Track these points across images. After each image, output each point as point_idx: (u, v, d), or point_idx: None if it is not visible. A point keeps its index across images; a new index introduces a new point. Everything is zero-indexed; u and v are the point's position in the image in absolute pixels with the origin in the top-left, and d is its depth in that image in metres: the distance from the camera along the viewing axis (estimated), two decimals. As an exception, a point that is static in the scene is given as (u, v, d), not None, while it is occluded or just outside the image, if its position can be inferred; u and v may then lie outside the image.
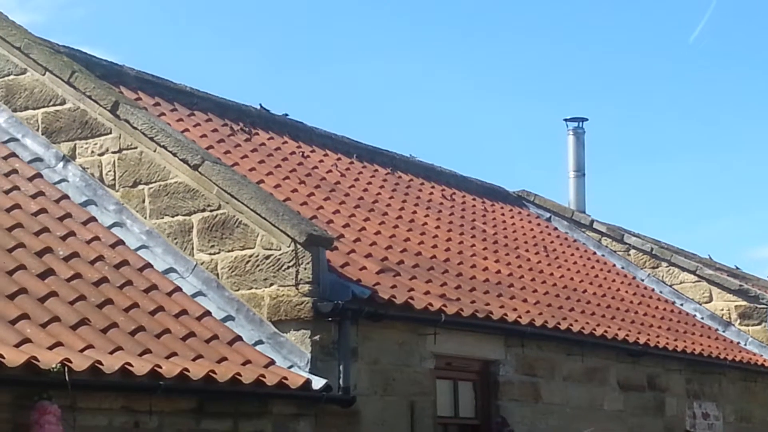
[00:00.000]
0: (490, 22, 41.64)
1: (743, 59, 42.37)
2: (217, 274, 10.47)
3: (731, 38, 42.36)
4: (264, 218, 10.34)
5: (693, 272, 19.49)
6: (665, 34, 42.67)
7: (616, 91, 42.81)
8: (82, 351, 8.26)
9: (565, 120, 21.77)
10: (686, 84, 43.12)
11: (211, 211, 10.59)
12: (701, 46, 41.25)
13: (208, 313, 10.09)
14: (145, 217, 10.88)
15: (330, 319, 10.07)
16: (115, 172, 11.09)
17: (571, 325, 13.43)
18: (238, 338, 9.93)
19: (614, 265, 19.42)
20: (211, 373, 8.75)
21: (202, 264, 10.55)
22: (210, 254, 10.55)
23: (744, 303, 19.10)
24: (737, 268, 22.70)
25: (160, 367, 8.38)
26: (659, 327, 16.42)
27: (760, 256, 46.66)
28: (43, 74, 11.49)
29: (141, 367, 8.28)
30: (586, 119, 21.75)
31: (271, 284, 10.20)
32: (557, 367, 13.48)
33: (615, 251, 19.80)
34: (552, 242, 18.49)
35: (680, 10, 41.50)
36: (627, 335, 14.53)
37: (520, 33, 41.83)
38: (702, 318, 18.98)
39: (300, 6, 39.59)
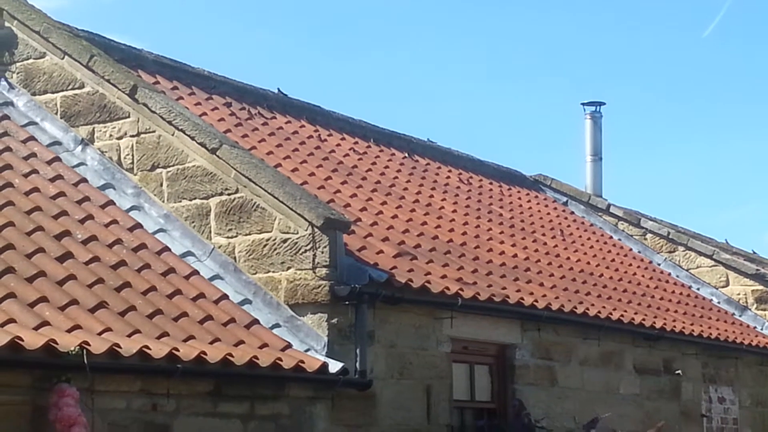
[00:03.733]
0: (507, 5, 41.54)
1: (761, 43, 42.17)
2: (235, 258, 10.52)
3: (751, 24, 42.15)
4: (281, 202, 10.37)
5: (710, 256, 19.45)
6: (686, 16, 42.53)
7: (634, 74, 42.71)
8: (100, 334, 8.32)
9: (583, 104, 21.82)
10: (705, 68, 42.97)
11: (229, 194, 10.62)
12: (720, 33, 41.08)
13: (225, 296, 10.14)
14: (163, 201, 10.93)
15: (347, 302, 10.09)
16: (133, 155, 11.13)
17: (588, 309, 13.44)
18: (255, 321, 9.98)
19: (630, 250, 19.40)
20: (228, 357, 8.80)
21: (219, 247, 10.60)
22: (227, 238, 10.59)
23: (761, 287, 19.04)
24: (754, 252, 22.64)
25: (178, 350, 8.44)
26: (675, 311, 16.39)
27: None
28: (62, 58, 11.53)
29: (159, 350, 8.33)
30: (604, 103, 21.81)
31: (289, 268, 10.23)
32: (573, 351, 13.49)
33: (631, 235, 19.79)
34: (569, 226, 18.49)
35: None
36: (643, 319, 14.53)
37: (538, 17, 41.73)
38: (718, 302, 18.94)
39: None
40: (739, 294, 19.13)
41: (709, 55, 42.77)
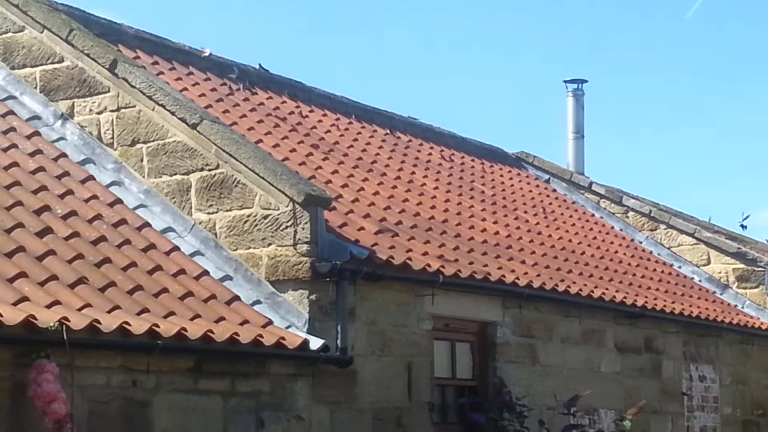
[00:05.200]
0: (490, -18, 41.43)
1: (742, 25, 42.23)
2: (215, 234, 10.47)
3: (732, 6, 42.20)
4: (262, 178, 10.32)
5: (691, 235, 19.46)
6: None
7: (616, 53, 42.71)
8: (80, 310, 8.27)
9: (565, 81, 21.71)
10: (687, 49, 42.99)
11: (210, 170, 10.56)
12: (702, 15, 41.09)
13: (206, 272, 10.09)
14: (144, 176, 10.86)
15: (328, 279, 10.06)
16: (113, 130, 11.05)
17: (569, 286, 13.42)
18: (236, 298, 9.94)
19: (612, 227, 19.42)
20: (208, 333, 8.76)
21: (200, 223, 10.54)
22: (208, 214, 10.53)
23: (742, 266, 19.09)
24: (740, 231, 22.70)
25: (158, 327, 8.39)
26: (657, 289, 16.41)
27: (764, 219, 46.68)
28: (41, 32, 11.43)
29: (139, 326, 8.28)
30: (586, 81, 21.69)
31: (269, 244, 10.19)
32: (554, 329, 13.48)
33: (613, 213, 19.79)
34: (551, 204, 18.47)
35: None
36: (624, 297, 14.52)
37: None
38: (700, 281, 18.99)
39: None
40: (720, 272, 19.16)
41: (692, 36, 42.83)
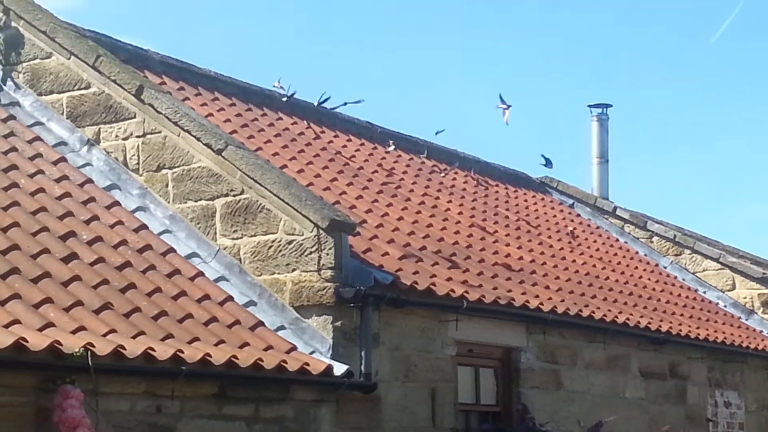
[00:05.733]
0: (516, 6, 41.50)
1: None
2: (240, 259, 10.50)
3: (759, 29, 42.12)
4: (287, 203, 10.35)
5: (716, 260, 19.39)
6: (694, 21, 42.48)
7: (641, 77, 42.63)
8: (104, 335, 8.31)
9: (590, 106, 21.72)
10: (712, 72, 42.90)
11: (234, 195, 10.60)
12: (728, 38, 41.08)
13: (230, 298, 10.12)
14: (169, 202, 10.91)
15: (352, 305, 10.07)
16: (138, 156, 11.12)
17: (593, 312, 13.40)
18: (260, 323, 9.96)
19: (637, 252, 19.36)
20: (233, 359, 8.78)
21: (224, 249, 10.58)
22: (233, 239, 10.57)
23: (767, 291, 18.98)
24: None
25: (183, 352, 8.42)
26: (681, 315, 16.36)
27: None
28: (69, 58, 11.52)
29: (163, 351, 8.31)
30: (611, 105, 21.72)
31: (294, 269, 10.22)
32: (579, 355, 13.47)
33: (638, 238, 19.76)
34: (575, 229, 18.43)
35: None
36: (649, 323, 14.48)
37: (546, 18, 41.67)
38: (725, 306, 18.90)
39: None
40: (745, 298, 19.07)
41: (717, 60, 42.72)
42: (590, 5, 41.52)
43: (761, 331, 18.46)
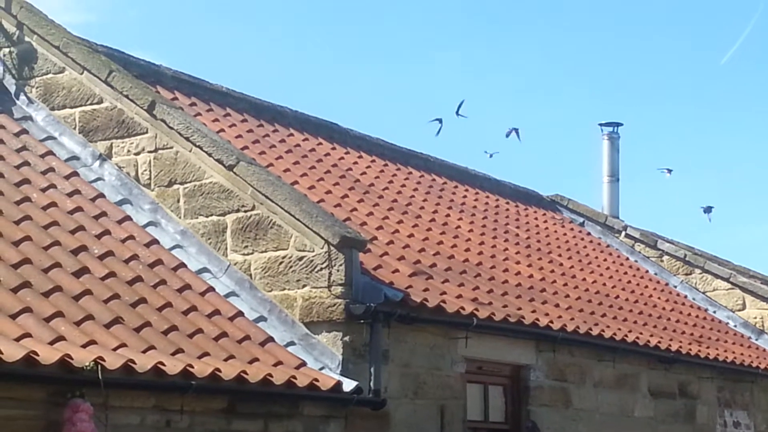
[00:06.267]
0: (528, 24, 41.58)
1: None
2: (250, 275, 10.52)
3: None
4: (298, 219, 10.38)
5: (726, 279, 19.38)
6: (705, 43, 42.55)
7: (652, 96, 42.66)
8: (115, 349, 8.32)
9: (600, 125, 21.81)
10: (722, 94, 42.96)
11: (245, 211, 10.63)
12: (738, 60, 41.17)
13: (240, 313, 10.14)
14: (180, 217, 10.94)
15: (362, 321, 10.08)
16: (150, 171, 11.16)
17: (603, 330, 13.40)
18: (270, 339, 9.97)
19: (647, 271, 19.37)
20: (242, 374, 8.79)
21: (235, 264, 10.60)
22: (243, 255, 10.59)
23: (778, 311, 18.98)
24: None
25: (192, 367, 8.43)
26: (691, 334, 16.35)
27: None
28: (81, 73, 11.58)
29: (173, 366, 8.33)
30: (621, 124, 21.81)
31: (304, 285, 10.24)
32: (588, 373, 13.46)
33: (648, 257, 19.76)
34: (585, 247, 18.48)
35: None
36: (659, 342, 14.48)
37: (557, 37, 41.74)
38: (735, 326, 18.88)
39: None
40: (755, 317, 19.04)
41: (726, 81, 42.74)
42: (603, 24, 41.58)
43: (771, 351, 18.46)
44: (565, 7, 41.00)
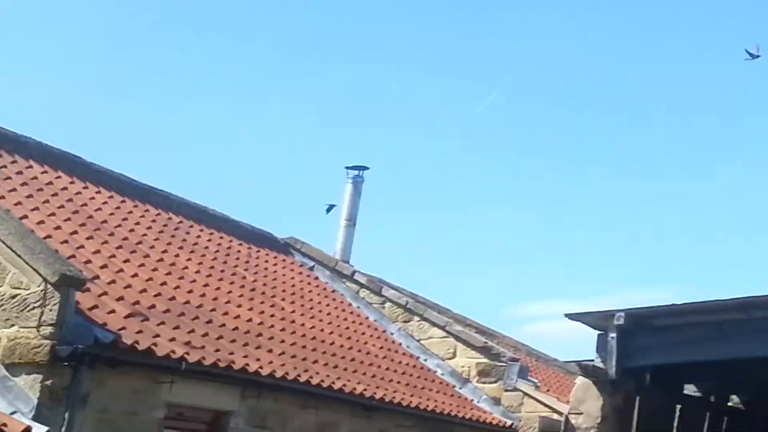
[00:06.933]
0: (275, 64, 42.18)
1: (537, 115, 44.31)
2: (-40, 312, 10.36)
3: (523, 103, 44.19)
4: (18, 255, 10.44)
5: (442, 327, 20.02)
6: (460, 91, 44.31)
7: (404, 142, 44.18)
8: None
9: (347, 168, 22.04)
10: (475, 142, 44.88)
11: (-34, 247, 10.49)
12: (492, 110, 43.17)
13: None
14: None
15: (66, 363, 10.08)
16: None
17: (311, 377, 13.77)
18: (-34, 381, 9.81)
19: (367, 318, 19.95)
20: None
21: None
22: (-45, 291, 10.41)
23: (485, 360, 19.64)
24: (495, 324, 23.56)
25: None
26: (398, 382, 16.91)
27: (533, 311, 48.47)
28: None
29: None
30: (368, 168, 22.07)
31: (12, 325, 10.26)
32: (290, 420, 13.73)
33: (371, 303, 20.35)
34: (311, 291, 18.98)
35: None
36: (364, 390, 14.90)
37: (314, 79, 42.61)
38: (442, 374, 19.50)
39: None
40: (464, 366, 19.73)
41: (482, 128, 44.73)
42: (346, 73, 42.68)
43: (472, 400, 19.21)
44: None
